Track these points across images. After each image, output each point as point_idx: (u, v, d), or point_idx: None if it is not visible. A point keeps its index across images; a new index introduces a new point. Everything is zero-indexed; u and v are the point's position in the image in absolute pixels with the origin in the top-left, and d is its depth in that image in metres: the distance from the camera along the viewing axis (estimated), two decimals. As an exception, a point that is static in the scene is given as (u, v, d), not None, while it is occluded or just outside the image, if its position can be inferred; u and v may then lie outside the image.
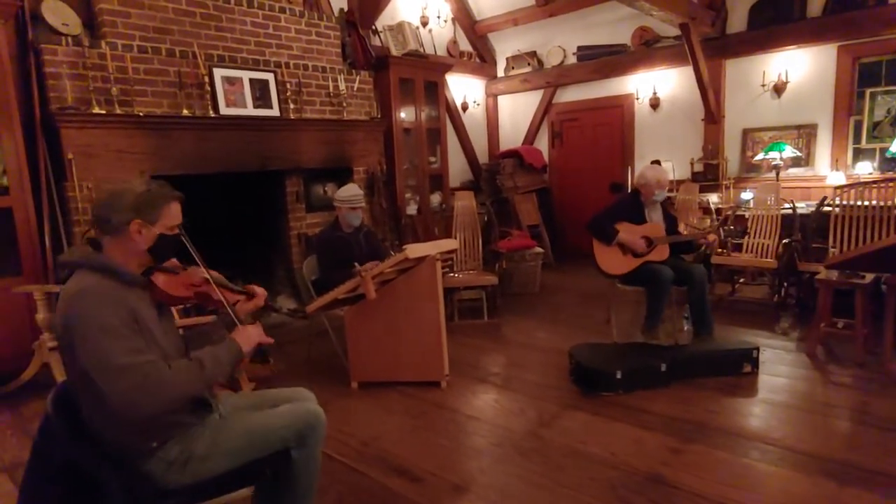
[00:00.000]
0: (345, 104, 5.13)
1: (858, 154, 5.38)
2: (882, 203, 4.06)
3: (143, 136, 3.88)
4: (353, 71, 5.34)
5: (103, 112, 3.68)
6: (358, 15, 5.50)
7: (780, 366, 3.47)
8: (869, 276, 3.47)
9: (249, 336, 1.66)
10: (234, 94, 4.40)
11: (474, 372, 3.62)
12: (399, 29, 6.04)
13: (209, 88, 4.22)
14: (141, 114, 3.85)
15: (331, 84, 5.05)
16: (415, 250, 3.15)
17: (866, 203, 4.11)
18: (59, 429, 1.44)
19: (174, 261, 1.73)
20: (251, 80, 4.50)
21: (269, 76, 4.62)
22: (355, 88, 5.27)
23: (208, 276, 1.74)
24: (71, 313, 1.41)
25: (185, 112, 4.07)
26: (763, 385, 3.21)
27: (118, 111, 3.74)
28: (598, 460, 2.45)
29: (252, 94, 4.49)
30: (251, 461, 1.62)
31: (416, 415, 3.02)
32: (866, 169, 5.23)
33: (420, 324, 3.30)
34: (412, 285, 3.27)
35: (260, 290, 1.89)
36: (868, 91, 5.27)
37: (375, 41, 5.97)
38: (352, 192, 3.71)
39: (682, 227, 4.10)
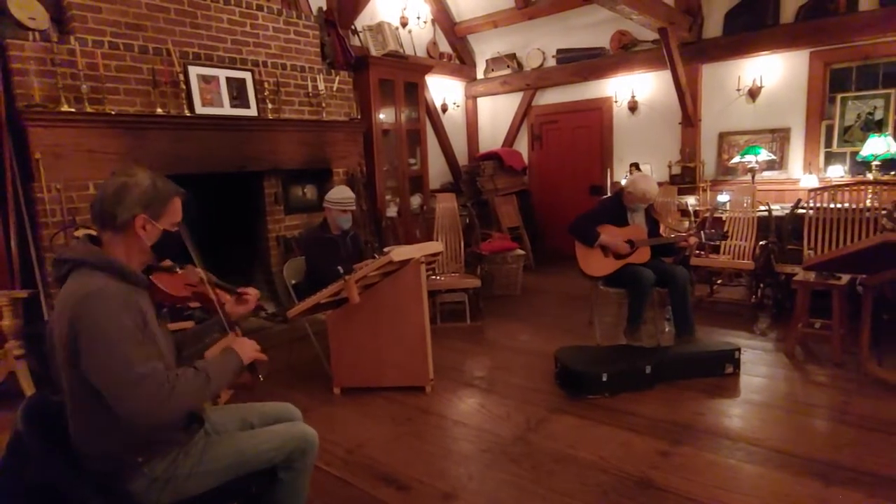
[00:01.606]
0: (324, 104, 5.04)
1: (830, 158, 5.50)
2: (853, 205, 4.16)
3: (115, 136, 3.74)
4: (333, 71, 5.26)
5: (73, 110, 3.54)
6: (337, 14, 5.43)
7: (760, 366, 3.51)
8: (845, 278, 3.54)
9: (247, 348, 1.60)
10: (211, 92, 4.28)
11: (459, 376, 3.58)
12: (379, 29, 5.98)
13: (184, 87, 4.09)
14: (113, 112, 3.71)
15: (310, 84, 4.97)
16: (399, 253, 3.10)
17: (839, 205, 4.20)
18: (32, 446, 1.35)
19: (168, 261, 1.67)
20: (228, 79, 4.38)
21: (247, 75, 4.51)
22: (334, 89, 5.20)
23: (204, 276, 1.67)
24: (83, 316, 1.32)
25: (160, 111, 3.94)
26: (745, 385, 3.25)
27: (88, 109, 3.60)
28: (588, 465, 2.43)
29: (229, 94, 4.38)
30: (236, 479, 1.55)
31: (402, 421, 2.97)
32: (838, 172, 5.36)
33: (404, 328, 3.24)
34: (396, 289, 3.22)
35: (253, 293, 1.83)
36: (839, 96, 5.40)
37: (355, 41, 5.89)
38: (343, 194, 3.64)
39: (663, 230, 4.13)
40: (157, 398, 1.32)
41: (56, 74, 3.49)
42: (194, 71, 4.18)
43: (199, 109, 4.18)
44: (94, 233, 1.54)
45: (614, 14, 4.90)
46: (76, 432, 1.41)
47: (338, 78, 5.23)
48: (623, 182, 6.03)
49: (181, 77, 4.07)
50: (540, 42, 7.12)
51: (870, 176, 4.88)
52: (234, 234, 4.97)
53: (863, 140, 5.05)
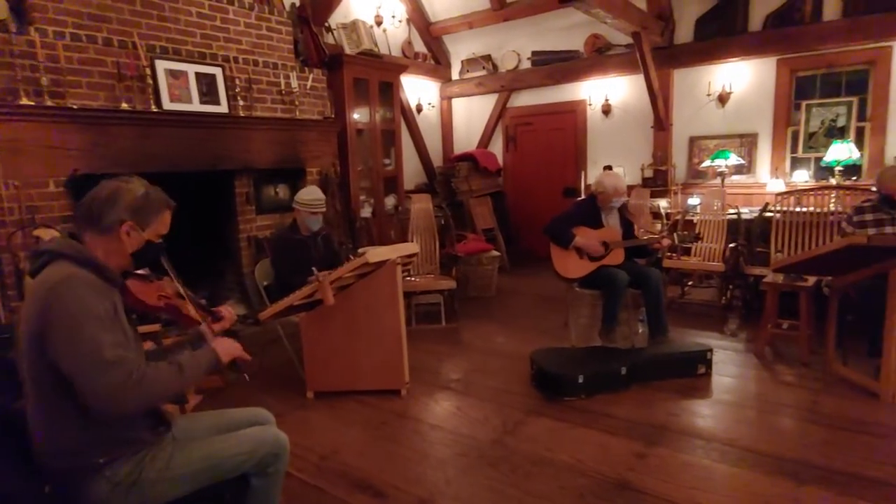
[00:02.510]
0: (297, 102, 4.95)
1: (796, 163, 5.65)
2: (818, 209, 4.27)
3: (77, 131, 3.59)
4: (306, 69, 5.17)
5: (32, 104, 3.38)
6: (310, 11, 5.33)
7: (731, 366, 3.57)
8: (811, 280, 3.63)
9: (228, 348, 1.58)
10: (179, 88, 4.15)
11: (435, 379, 3.54)
12: (353, 27, 5.90)
13: (151, 81, 3.96)
14: (75, 106, 3.56)
15: (282, 81, 4.87)
16: (375, 254, 3.05)
17: (804, 209, 4.31)
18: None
19: (146, 270, 1.65)
20: (197, 74, 4.26)
21: (217, 71, 4.39)
22: (308, 87, 5.11)
23: (181, 291, 1.64)
24: (54, 302, 1.31)
25: (125, 106, 3.80)
26: (717, 386, 3.29)
27: (49, 103, 3.44)
28: (565, 467, 2.42)
29: (198, 89, 4.26)
30: (205, 488, 1.49)
31: (377, 425, 2.92)
32: (803, 177, 5.51)
33: (379, 330, 3.19)
34: (371, 290, 3.16)
35: (228, 313, 1.81)
36: (804, 103, 5.55)
37: (329, 39, 5.80)
38: (314, 195, 3.56)
39: (637, 231, 4.17)
40: (125, 384, 1.31)
41: (15, 66, 3.33)
42: (161, 65, 4.05)
43: (167, 105, 4.05)
44: (62, 231, 1.50)
45: (589, 17, 4.93)
46: (36, 428, 1.39)
47: (311, 76, 5.14)
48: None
49: (148, 71, 3.93)
50: (515, 44, 7.14)
51: (833, 181, 5.02)
52: (203, 234, 4.83)
53: (826, 146, 5.19)
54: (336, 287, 3.06)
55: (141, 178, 1.57)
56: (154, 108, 3.96)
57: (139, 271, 1.63)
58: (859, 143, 5.22)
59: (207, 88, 4.34)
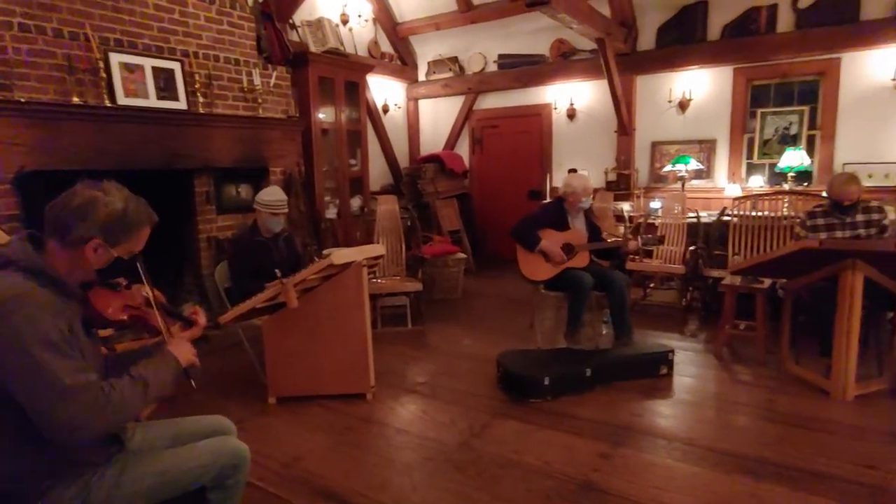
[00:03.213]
0: (260, 100, 4.83)
1: (751, 168, 5.85)
2: (772, 214, 4.42)
3: (25, 126, 3.40)
4: (270, 66, 5.05)
5: (-26, 96, 3.20)
6: (274, 7, 5.22)
7: (691, 367, 3.65)
8: (767, 282, 3.75)
9: (185, 350, 1.50)
10: (135, 82, 4.00)
11: (401, 382, 3.50)
12: (318, 25, 5.81)
13: (105, 75, 3.80)
14: (22, 100, 3.38)
15: (245, 78, 4.75)
16: (340, 256, 2.99)
17: (759, 213, 4.46)
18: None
19: (122, 279, 1.56)
20: (154, 69, 4.11)
21: (176, 65, 4.25)
22: (271, 84, 4.99)
23: (151, 298, 1.55)
24: (1, 321, 1.19)
25: (76, 100, 3.63)
26: (678, 386, 3.36)
27: (-7, 95, 3.27)
28: (532, 470, 2.43)
29: (155, 84, 4.11)
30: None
31: (341, 430, 2.86)
32: (758, 182, 5.71)
33: (345, 333, 3.14)
34: (336, 293, 3.10)
35: (201, 319, 1.73)
36: (759, 111, 5.75)
37: (293, 36, 5.70)
38: (275, 196, 3.48)
39: (603, 234, 4.22)
40: (91, 410, 1.23)
41: (-46, 55, 3.14)
42: (116, 58, 3.89)
43: (122, 100, 3.90)
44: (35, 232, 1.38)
45: (554, 22, 4.99)
46: None
47: (275, 73, 5.03)
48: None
49: (101, 64, 3.77)
50: (481, 46, 7.17)
51: (786, 186, 5.21)
52: (161, 234, 4.66)
53: (780, 153, 5.40)
54: (300, 289, 3.00)
55: (122, 187, 1.42)
56: (108, 103, 3.80)
57: (114, 280, 1.55)
58: (810, 150, 5.44)
59: (165, 84, 4.19)
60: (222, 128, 4.56)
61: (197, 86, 4.36)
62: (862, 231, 3.45)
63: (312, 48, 5.67)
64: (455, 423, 2.92)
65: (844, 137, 5.35)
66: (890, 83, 5.07)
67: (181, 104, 4.27)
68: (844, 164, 5.28)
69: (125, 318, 1.55)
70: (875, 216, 3.45)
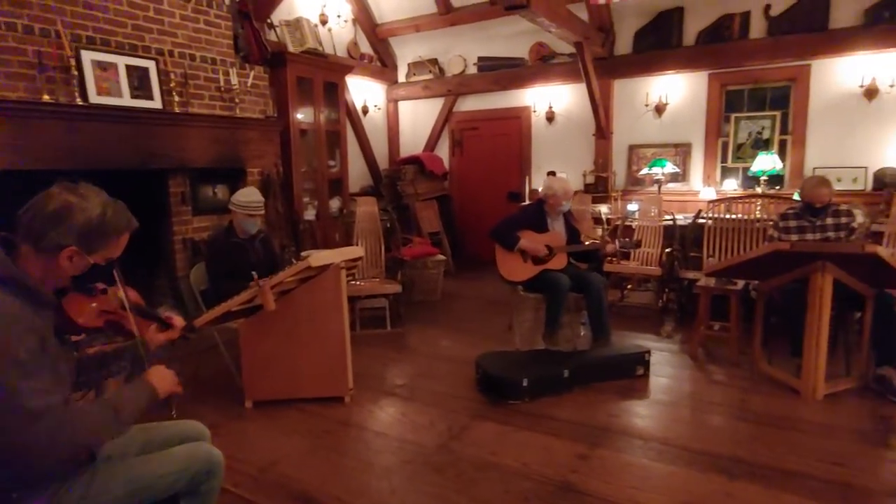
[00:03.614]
0: (237, 100, 4.77)
1: (726, 172, 5.96)
2: (746, 216, 4.52)
3: (-8, 124, 3.31)
4: (247, 65, 4.99)
5: (-62, 93, 3.10)
6: (252, 6, 5.16)
7: (667, 367, 3.70)
8: (740, 283, 3.82)
9: (164, 379, 1.44)
10: (108, 81, 3.91)
11: (380, 385, 3.49)
12: (297, 25, 5.76)
13: (76, 73, 3.71)
14: (-11, 97, 3.29)
15: (221, 78, 4.68)
16: (318, 258, 2.97)
17: (733, 216, 4.55)
18: None
19: (101, 284, 1.53)
20: (128, 67, 4.02)
21: (150, 64, 4.17)
22: (249, 84, 4.93)
23: (126, 302, 1.51)
24: None
25: (47, 98, 3.54)
26: (654, 386, 3.40)
27: (-42, 93, 3.17)
28: (510, 471, 2.43)
29: (129, 83, 4.02)
30: None
31: (319, 434, 2.83)
32: (732, 185, 5.82)
33: (323, 336, 3.11)
34: (314, 295, 3.08)
35: (178, 321, 1.69)
36: (733, 116, 5.86)
37: (271, 36, 5.64)
38: (251, 197, 3.43)
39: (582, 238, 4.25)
40: (53, 436, 1.17)
41: (-84, 50, 3.04)
42: (88, 56, 3.80)
43: (94, 98, 3.81)
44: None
45: (533, 26, 5.02)
46: None
47: (252, 73, 4.97)
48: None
49: (72, 62, 3.68)
50: (461, 49, 7.18)
51: (759, 190, 5.33)
52: (135, 235, 4.57)
53: (753, 157, 5.51)
54: (277, 292, 2.96)
55: (100, 191, 1.36)
56: (79, 101, 3.71)
57: (93, 286, 1.51)
58: (782, 154, 5.57)
59: (139, 82, 4.11)
60: (198, 127, 4.49)
61: (172, 85, 4.29)
62: (831, 234, 3.54)
63: (291, 48, 5.62)
64: (434, 425, 2.91)
65: (814, 142, 5.49)
66: (858, 90, 5.21)
67: (156, 103, 4.19)
68: (815, 168, 5.41)
69: (100, 324, 1.52)
70: (844, 219, 3.54)
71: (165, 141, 4.24)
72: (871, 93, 5.15)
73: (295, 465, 2.54)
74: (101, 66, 3.88)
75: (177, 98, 4.30)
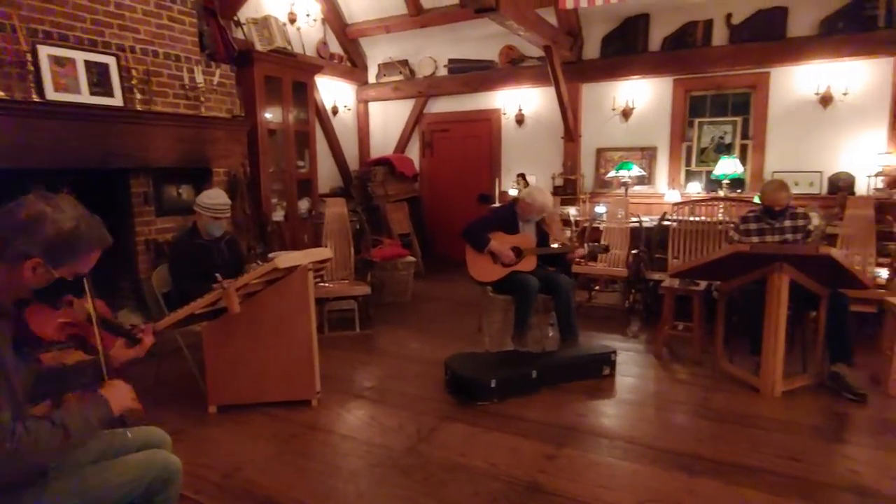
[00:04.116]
0: (203, 98, 4.67)
1: (690, 175, 6.11)
2: (708, 219, 4.64)
3: (-61, 120, 3.17)
4: (213, 63, 4.89)
5: None
6: (217, 3, 5.06)
7: (633, 367, 3.77)
8: (703, 284, 3.92)
9: (121, 396, 1.38)
10: (66, 77, 3.78)
11: (348, 387, 3.45)
12: (265, 23, 5.68)
13: (32, 68, 3.57)
14: (-64, 92, 3.15)
15: (186, 75, 4.57)
16: (285, 260, 2.93)
17: (697, 218, 4.66)
18: None
19: (70, 296, 1.47)
20: (87, 63, 3.90)
21: (111, 60, 4.05)
22: (215, 83, 4.83)
23: (93, 314, 1.45)
24: None
25: (1, 95, 3.40)
26: (620, 386, 3.46)
27: None
28: (479, 473, 2.44)
29: (88, 79, 3.90)
30: None
31: (285, 438, 2.79)
32: (696, 189, 5.96)
33: (289, 338, 3.07)
34: (281, 297, 3.03)
35: (147, 339, 1.62)
36: (697, 121, 6.01)
37: (238, 34, 5.54)
38: (218, 199, 3.36)
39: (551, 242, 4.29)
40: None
41: None
42: (45, 51, 3.67)
43: (51, 95, 3.68)
44: None
45: (503, 29, 5.05)
46: None
47: (218, 71, 4.87)
48: (514, 193, 6.24)
49: (29, 57, 3.55)
50: (432, 50, 7.19)
51: (721, 193, 5.47)
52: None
53: (715, 161, 5.66)
54: (243, 294, 2.91)
55: (77, 203, 1.30)
56: (36, 98, 3.58)
57: (63, 299, 1.46)
58: (743, 158, 5.73)
59: (99, 79, 3.98)
60: (162, 126, 4.37)
61: (134, 82, 4.17)
62: (789, 236, 3.65)
63: (258, 46, 5.54)
64: (403, 427, 2.90)
65: (774, 147, 5.67)
66: (814, 97, 5.41)
67: (117, 100, 4.07)
68: (774, 172, 5.59)
69: (62, 338, 1.47)
70: (801, 222, 3.66)
71: (127, 139, 4.12)
72: (826, 100, 5.35)
73: (260, 470, 2.49)
74: (58, 62, 3.75)
75: (139, 95, 4.19)
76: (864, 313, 3.73)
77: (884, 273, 4.11)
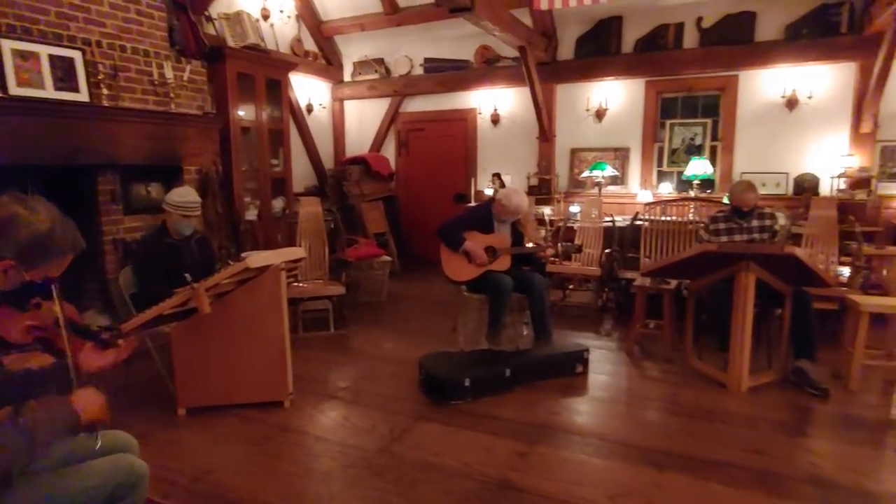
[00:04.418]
0: (173, 95, 4.57)
1: (661, 176, 6.22)
2: (679, 218, 4.72)
3: None
4: (183, 59, 4.80)
5: None
6: (189, -3, 4.97)
7: (605, 364, 3.82)
8: (673, 282, 3.99)
9: (89, 403, 1.32)
10: (29, 71, 3.67)
11: (322, 388, 3.43)
12: (237, 19, 5.59)
13: (-7, 62, 3.47)
14: None
15: (155, 71, 4.48)
16: (257, 259, 2.89)
17: (668, 218, 4.74)
18: None
19: (37, 299, 1.43)
20: (52, 57, 3.79)
21: (76, 54, 3.94)
22: (185, 79, 4.74)
23: (61, 319, 1.40)
24: None
25: (-42, 88, 3.30)
26: (592, 384, 3.50)
27: None
28: (451, 472, 2.44)
29: (53, 74, 3.79)
30: None
31: (257, 440, 2.76)
32: (667, 189, 6.07)
33: (261, 339, 3.03)
34: (253, 297, 2.99)
35: (126, 345, 1.56)
36: (668, 122, 6.12)
37: (209, 29, 5.45)
38: (188, 197, 3.29)
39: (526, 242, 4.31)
40: None
41: None
42: (7, 45, 3.56)
43: (14, 90, 3.57)
44: None
45: (479, 29, 5.07)
46: None
47: (189, 67, 4.78)
48: (489, 192, 6.26)
49: (-11, 51, 3.44)
50: (407, 49, 7.17)
51: (692, 193, 5.58)
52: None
53: (686, 162, 5.77)
54: (213, 294, 2.87)
55: (52, 206, 1.27)
56: (-3, 93, 3.48)
57: (31, 301, 1.42)
58: (713, 159, 5.85)
59: (64, 73, 3.88)
60: (130, 122, 4.27)
61: (101, 77, 4.07)
62: (757, 235, 3.74)
63: (231, 43, 5.46)
64: (376, 428, 2.89)
65: (742, 149, 5.80)
66: (780, 100, 5.55)
67: (82, 96, 3.97)
68: (742, 173, 5.72)
69: (28, 340, 1.42)
70: (768, 222, 3.76)
71: (93, 136, 4.02)
72: (791, 103, 5.50)
73: (230, 472, 2.46)
74: (21, 56, 3.64)
75: (105, 91, 4.09)
76: (827, 310, 3.85)
77: (846, 271, 4.24)
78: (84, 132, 3.96)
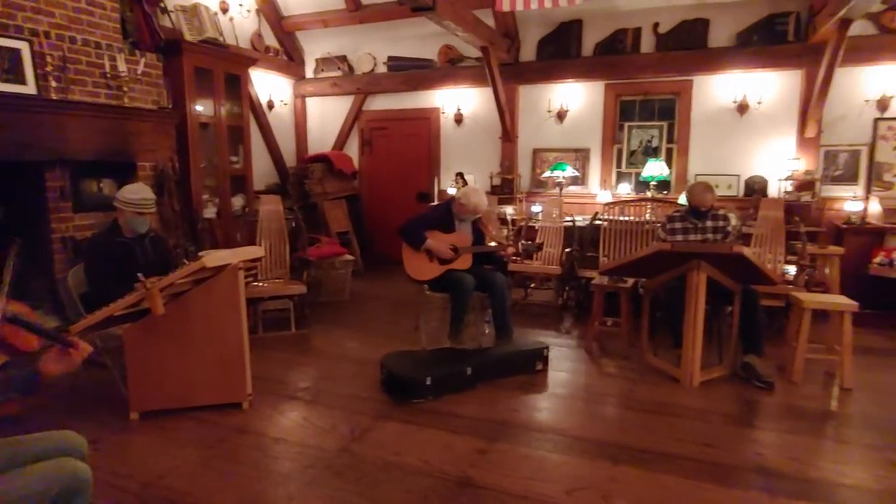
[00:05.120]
0: (126, 88, 4.44)
1: (620, 176, 6.36)
2: (637, 218, 4.84)
3: None
4: (137, 52, 4.66)
5: None
6: (143, -11, 4.82)
7: (565, 361, 3.89)
8: (630, 281, 4.10)
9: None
10: (-31, 61, 3.51)
11: (281, 389, 3.38)
12: (194, 12, 5.46)
13: (-71, 51, 3.30)
14: None
15: (107, 63, 4.33)
16: (213, 258, 2.84)
17: (626, 218, 4.86)
18: None
19: None
20: (-5, 48, 3.63)
21: (23, 45, 3.78)
22: (139, 72, 4.60)
23: (12, 315, 1.35)
24: None
25: None
26: (552, 381, 3.57)
27: None
28: (411, 470, 2.45)
29: (-3, 65, 3.63)
30: None
31: (213, 443, 2.71)
32: (626, 189, 6.22)
33: (219, 340, 2.97)
34: (210, 297, 2.93)
35: (83, 344, 1.49)
36: (627, 125, 6.27)
37: (165, 21, 5.30)
38: (141, 193, 3.19)
39: (487, 241, 4.35)
40: None
41: None
42: (-56, 32, 3.39)
43: (-48, 81, 3.40)
44: None
45: (442, 29, 5.09)
46: None
47: (143, 60, 4.64)
48: (452, 192, 6.28)
49: (-76, 38, 3.27)
50: (371, 47, 7.13)
51: (649, 194, 5.73)
52: (6, 234, 4.12)
53: (644, 163, 5.92)
54: (168, 294, 2.80)
55: None
56: (-67, 83, 3.30)
57: None
58: (669, 161, 6.02)
59: (10, 65, 3.73)
60: (80, 116, 4.13)
61: (49, 69, 3.92)
62: (710, 235, 3.88)
63: (188, 36, 5.32)
64: (336, 428, 2.87)
65: (696, 151, 5.99)
66: (732, 105, 5.76)
67: (29, 88, 3.82)
68: (696, 174, 5.91)
69: None
70: (721, 223, 3.90)
71: (41, 130, 3.87)
72: (742, 108, 5.71)
73: (184, 477, 2.40)
74: (-40, 45, 3.47)
75: (54, 83, 3.94)
76: (774, 307, 4.03)
77: (791, 270, 4.44)
78: (31, 126, 3.81)
